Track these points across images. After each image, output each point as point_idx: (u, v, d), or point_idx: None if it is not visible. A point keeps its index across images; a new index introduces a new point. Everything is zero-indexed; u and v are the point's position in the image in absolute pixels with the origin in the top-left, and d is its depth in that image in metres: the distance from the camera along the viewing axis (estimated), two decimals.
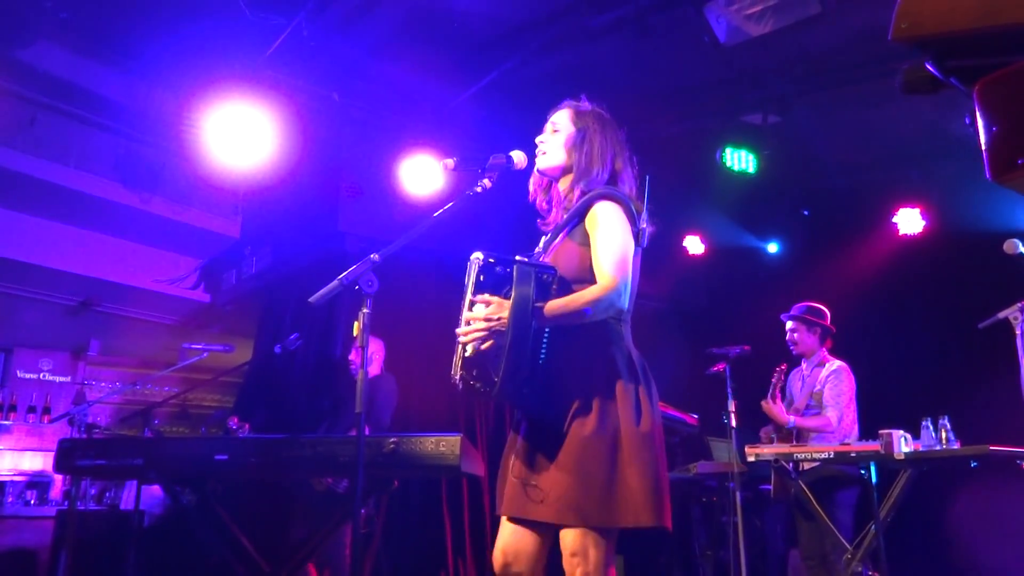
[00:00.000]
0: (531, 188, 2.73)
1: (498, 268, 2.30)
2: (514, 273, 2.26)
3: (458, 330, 2.35)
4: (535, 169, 2.65)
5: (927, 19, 1.19)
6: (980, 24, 1.15)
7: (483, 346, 2.28)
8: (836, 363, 5.11)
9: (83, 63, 5.84)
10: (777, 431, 5.00)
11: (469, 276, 2.39)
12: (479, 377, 2.30)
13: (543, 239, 2.61)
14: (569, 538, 2.24)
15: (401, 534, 6.15)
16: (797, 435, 4.96)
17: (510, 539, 2.38)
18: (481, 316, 2.27)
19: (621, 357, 2.37)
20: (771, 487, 4.96)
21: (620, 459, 2.25)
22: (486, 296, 2.29)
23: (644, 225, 2.49)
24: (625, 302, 2.36)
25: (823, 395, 4.99)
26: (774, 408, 4.96)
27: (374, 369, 5.34)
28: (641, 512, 2.22)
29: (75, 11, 5.13)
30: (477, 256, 2.35)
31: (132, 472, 4.06)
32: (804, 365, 5.26)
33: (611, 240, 2.38)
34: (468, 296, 2.36)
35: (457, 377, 2.36)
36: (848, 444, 4.37)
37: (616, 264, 2.34)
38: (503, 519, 2.43)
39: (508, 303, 2.24)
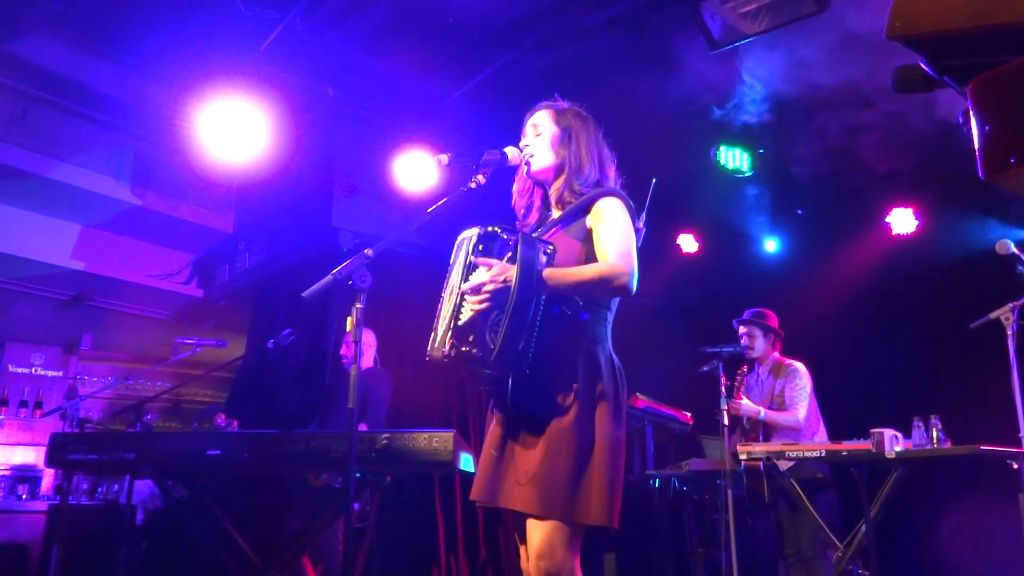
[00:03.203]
0: (516, 192, 2.70)
1: (503, 235, 2.30)
2: (518, 240, 2.25)
3: (464, 289, 2.27)
4: (524, 172, 2.63)
5: (921, 18, 1.19)
6: (972, 23, 1.15)
7: (481, 306, 2.23)
8: (792, 363, 5.19)
9: (76, 56, 5.82)
10: (743, 433, 5.03)
11: (460, 251, 2.40)
12: (475, 343, 2.21)
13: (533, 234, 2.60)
14: (536, 537, 2.23)
15: (394, 530, 6.14)
16: (764, 434, 5.00)
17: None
18: (486, 278, 2.24)
19: (604, 358, 2.39)
20: (744, 488, 4.99)
21: (593, 459, 2.27)
22: (488, 260, 2.27)
23: (641, 225, 2.54)
24: (633, 286, 2.36)
25: (783, 395, 5.06)
26: (743, 404, 5.00)
27: (367, 361, 5.28)
28: (601, 512, 2.23)
29: (68, 4, 5.12)
30: (471, 231, 2.35)
31: (124, 467, 4.04)
32: (760, 370, 5.33)
33: (617, 232, 2.41)
34: (458, 270, 2.36)
35: (446, 348, 2.26)
36: (840, 443, 4.38)
37: (623, 252, 2.37)
38: (521, 546, 2.45)
39: (512, 266, 2.22)
